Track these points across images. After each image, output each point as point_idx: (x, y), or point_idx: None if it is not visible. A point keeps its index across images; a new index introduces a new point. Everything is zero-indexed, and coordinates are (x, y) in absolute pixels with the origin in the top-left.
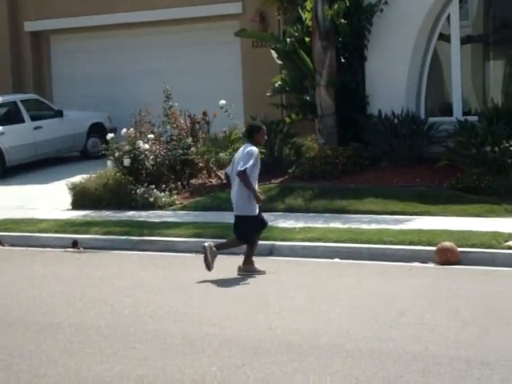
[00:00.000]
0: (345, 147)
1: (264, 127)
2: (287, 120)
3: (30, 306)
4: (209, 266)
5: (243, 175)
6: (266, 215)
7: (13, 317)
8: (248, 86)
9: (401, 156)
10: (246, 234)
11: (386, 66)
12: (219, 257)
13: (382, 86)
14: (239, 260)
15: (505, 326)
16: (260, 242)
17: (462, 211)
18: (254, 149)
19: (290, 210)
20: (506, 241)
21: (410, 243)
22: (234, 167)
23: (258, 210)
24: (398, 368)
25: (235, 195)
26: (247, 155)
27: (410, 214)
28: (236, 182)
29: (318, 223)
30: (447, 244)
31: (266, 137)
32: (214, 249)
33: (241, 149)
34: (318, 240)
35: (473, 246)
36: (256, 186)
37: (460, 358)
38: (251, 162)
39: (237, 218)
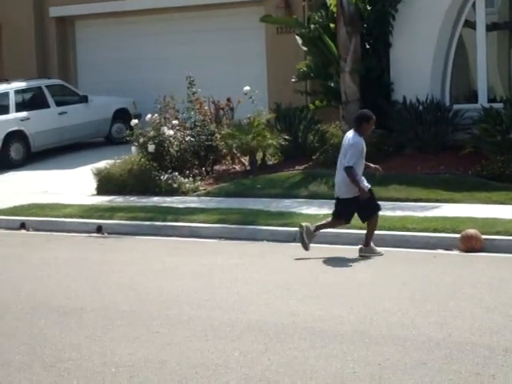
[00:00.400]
0: (369, 134)
1: (374, 118)
2: (311, 106)
3: (54, 290)
4: (305, 246)
5: (348, 171)
6: (289, 202)
7: (37, 301)
8: (272, 73)
9: (425, 143)
10: (347, 215)
11: (411, 53)
12: (242, 242)
13: (407, 72)
14: (263, 246)
15: None
16: (283, 229)
17: (486, 198)
18: (359, 141)
19: (314, 196)
20: None
21: (434, 230)
22: (341, 153)
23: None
24: (421, 355)
25: (338, 179)
26: (353, 148)
27: (435, 201)
28: (340, 167)
29: None
30: (471, 231)
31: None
32: (312, 229)
33: (348, 136)
34: (342, 227)
35: (497, 233)
36: (361, 173)
37: (483, 344)
38: (355, 159)
39: (337, 200)
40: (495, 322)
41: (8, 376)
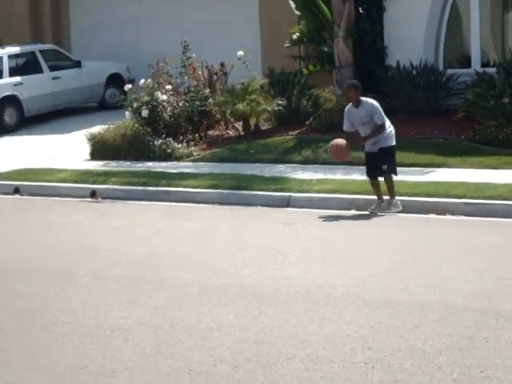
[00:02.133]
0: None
1: (347, 87)
2: (305, 71)
3: (48, 254)
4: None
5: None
6: (282, 167)
7: (32, 265)
8: (266, 37)
9: (419, 108)
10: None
11: (405, 17)
12: (236, 207)
13: (401, 37)
14: (257, 211)
15: None
16: (277, 194)
17: (479, 163)
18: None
19: (307, 161)
20: None
21: (427, 195)
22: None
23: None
24: (414, 318)
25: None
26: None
27: (428, 166)
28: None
29: (336, 175)
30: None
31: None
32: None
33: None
34: (335, 192)
35: (490, 197)
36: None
37: (475, 308)
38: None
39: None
40: (487, 285)
41: (7, 338)
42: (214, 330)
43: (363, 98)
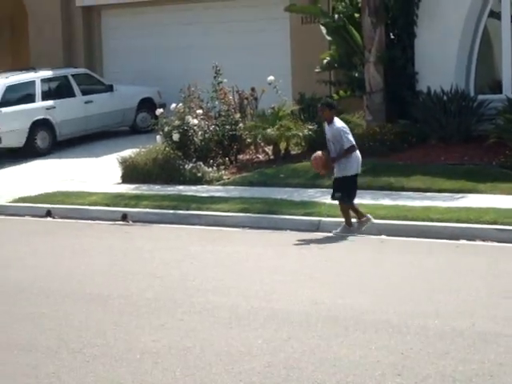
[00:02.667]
0: (393, 124)
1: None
2: (335, 96)
3: (80, 277)
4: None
5: None
6: (312, 191)
7: (63, 288)
8: (296, 62)
9: (449, 133)
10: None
11: (436, 43)
12: (265, 231)
13: (432, 62)
14: (286, 235)
15: None
16: (307, 218)
17: (509, 189)
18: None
19: None
20: None
21: (458, 221)
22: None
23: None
24: (444, 344)
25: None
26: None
27: (458, 192)
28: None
29: (365, 200)
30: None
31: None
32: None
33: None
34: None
35: None
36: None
37: (507, 334)
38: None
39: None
40: None
41: (35, 361)
42: (244, 354)
43: (335, 120)
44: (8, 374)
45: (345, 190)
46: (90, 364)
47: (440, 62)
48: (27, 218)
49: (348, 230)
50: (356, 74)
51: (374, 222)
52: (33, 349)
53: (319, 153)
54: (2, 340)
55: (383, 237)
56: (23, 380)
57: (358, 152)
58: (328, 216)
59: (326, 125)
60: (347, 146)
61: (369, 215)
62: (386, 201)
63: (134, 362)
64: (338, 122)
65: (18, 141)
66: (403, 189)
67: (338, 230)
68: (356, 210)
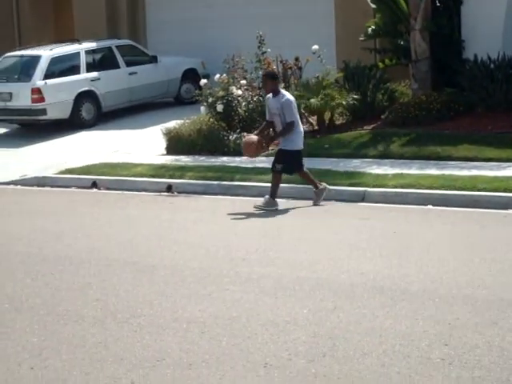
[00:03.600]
0: (439, 93)
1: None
2: (380, 65)
3: (126, 247)
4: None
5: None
6: (357, 161)
7: (110, 258)
8: (341, 31)
9: (496, 102)
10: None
11: (483, 10)
12: (310, 202)
13: (478, 30)
14: (331, 206)
15: None
16: (352, 188)
17: None
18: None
19: (383, 156)
20: None
21: (505, 190)
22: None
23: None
24: (492, 314)
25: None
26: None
27: (505, 161)
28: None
29: (411, 170)
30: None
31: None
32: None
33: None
34: (411, 186)
35: None
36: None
37: None
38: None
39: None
40: None
41: (82, 331)
42: (290, 324)
43: (282, 91)
44: (56, 343)
45: (287, 162)
46: (137, 333)
47: (487, 29)
48: (73, 189)
49: (272, 203)
50: (401, 42)
51: (332, 189)
52: (79, 319)
53: (253, 138)
54: (51, 310)
55: (429, 207)
56: (71, 349)
57: (301, 127)
58: (373, 186)
59: (269, 97)
60: (289, 121)
61: (324, 184)
62: (433, 170)
63: (180, 332)
64: (287, 94)
65: (63, 112)
66: (450, 158)
67: (261, 204)
68: (312, 181)
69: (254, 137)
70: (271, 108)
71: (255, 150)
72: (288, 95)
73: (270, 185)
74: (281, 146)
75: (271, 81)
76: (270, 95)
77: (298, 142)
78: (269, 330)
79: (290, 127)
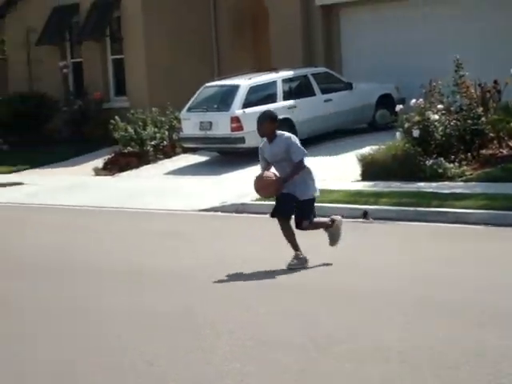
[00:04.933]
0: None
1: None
2: None
3: (315, 275)
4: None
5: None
6: None
7: (313, 285)
8: None
9: None
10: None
11: None
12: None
13: None
14: None
15: None
16: None
17: None
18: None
19: None
20: None
21: None
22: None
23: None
24: None
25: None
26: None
27: None
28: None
29: None
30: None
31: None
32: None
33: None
34: None
35: None
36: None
37: None
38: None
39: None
40: None
41: (285, 357)
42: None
43: (279, 132)
44: (257, 369)
45: (311, 211)
46: (338, 363)
47: None
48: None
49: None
50: None
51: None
52: (282, 346)
53: (271, 174)
54: (251, 335)
55: None
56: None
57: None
58: None
59: (264, 144)
60: (300, 159)
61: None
62: None
63: (380, 362)
64: (284, 133)
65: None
66: None
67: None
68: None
69: (271, 174)
70: (273, 155)
71: (274, 192)
72: (285, 133)
73: (469, 211)
74: (303, 195)
75: (270, 123)
76: (265, 141)
77: (314, 186)
78: (470, 361)
79: (301, 165)
